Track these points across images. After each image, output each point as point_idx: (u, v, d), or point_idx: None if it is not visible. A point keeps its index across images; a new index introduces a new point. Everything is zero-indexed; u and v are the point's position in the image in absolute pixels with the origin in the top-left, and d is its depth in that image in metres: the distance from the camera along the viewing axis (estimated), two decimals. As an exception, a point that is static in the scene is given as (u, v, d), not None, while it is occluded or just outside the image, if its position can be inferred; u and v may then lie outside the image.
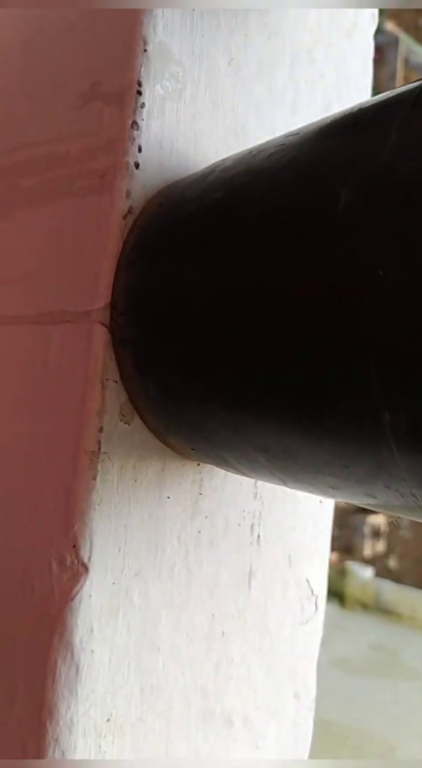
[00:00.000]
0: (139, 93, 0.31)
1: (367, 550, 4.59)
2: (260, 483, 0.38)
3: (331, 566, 0.44)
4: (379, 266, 0.20)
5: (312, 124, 0.26)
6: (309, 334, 0.22)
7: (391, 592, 2.54)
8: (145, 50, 0.31)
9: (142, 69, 0.31)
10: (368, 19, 0.42)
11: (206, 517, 0.35)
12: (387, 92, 0.23)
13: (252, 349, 0.25)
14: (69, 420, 0.31)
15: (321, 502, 0.42)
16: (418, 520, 0.27)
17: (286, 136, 0.26)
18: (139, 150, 0.31)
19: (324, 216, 0.22)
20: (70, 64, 0.34)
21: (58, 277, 0.32)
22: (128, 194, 0.31)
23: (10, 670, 0.32)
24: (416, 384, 0.20)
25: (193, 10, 0.32)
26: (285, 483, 0.29)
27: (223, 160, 0.29)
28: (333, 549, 0.43)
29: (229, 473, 0.36)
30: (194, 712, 0.35)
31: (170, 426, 0.30)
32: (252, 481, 0.37)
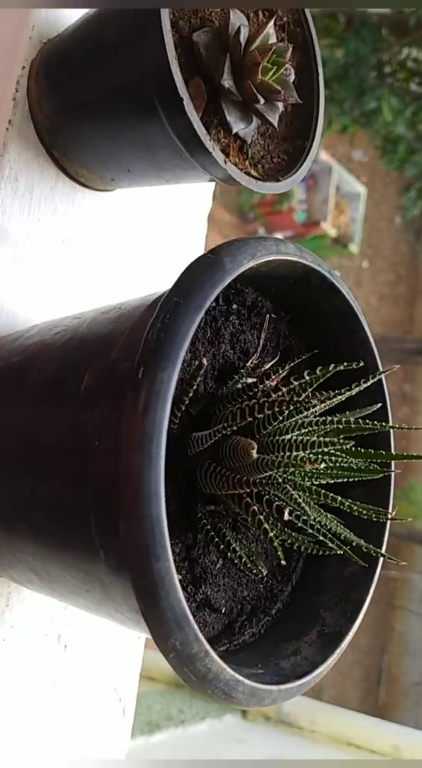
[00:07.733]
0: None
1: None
2: (71, 596, 0.43)
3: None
4: (97, 437, 0.26)
5: (90, 311, 0.32)
6: (59, 478, 0.28)
7: (292, 704, 2.53)
8: (-16, 231, 0.38)
9: (-19, 246, 0.38)
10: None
11: (12, 627, 0.39)
12: (123, 314, 0.30)
13: (20, 488, 0.30)
14: None
15: (138, 638, 0.47)
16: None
17: (73, 317, 0.33)
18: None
19: (72, 391, 0.28)
20: None
21: None
22: None
23: None
24: (115, 530, 0.26)
25: (31, 199, 0.40)
26: (61, 600, 0.34)
27: (31, 327, 0.35)
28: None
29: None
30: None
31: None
32: (64, 594, 0.42)
